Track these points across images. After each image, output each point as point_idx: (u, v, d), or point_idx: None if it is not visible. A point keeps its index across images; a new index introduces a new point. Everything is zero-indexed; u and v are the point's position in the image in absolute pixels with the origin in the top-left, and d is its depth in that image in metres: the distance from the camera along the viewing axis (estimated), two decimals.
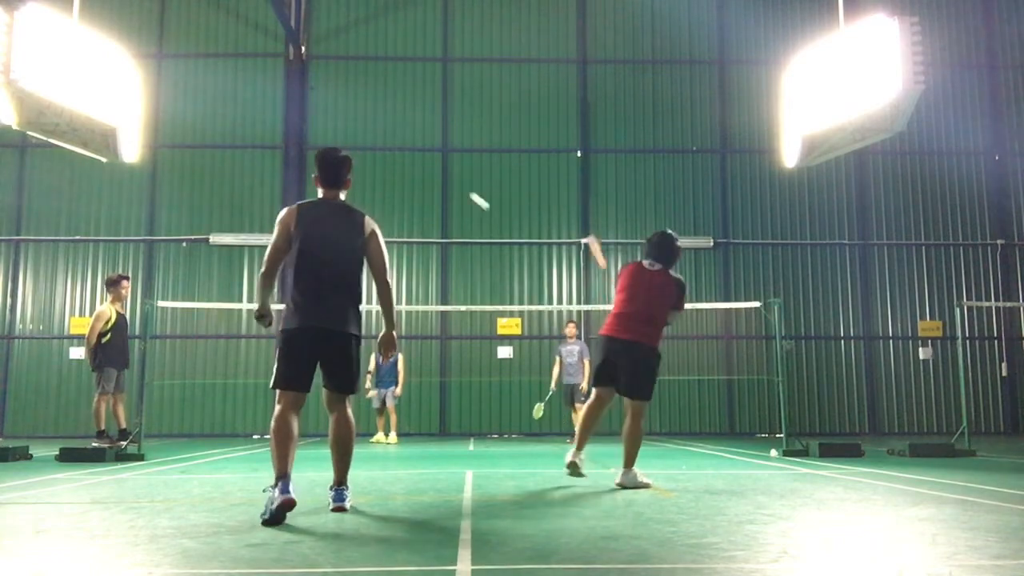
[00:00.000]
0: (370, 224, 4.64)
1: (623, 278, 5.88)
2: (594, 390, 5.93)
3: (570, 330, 13.07)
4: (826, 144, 10.17)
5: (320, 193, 4.64)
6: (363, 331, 4.66)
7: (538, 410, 12.76)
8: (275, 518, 3.96)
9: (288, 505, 3.99)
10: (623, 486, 5.49)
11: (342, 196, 4.66)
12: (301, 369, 4.39)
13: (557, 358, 12.93)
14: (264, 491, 4.22)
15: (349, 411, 4.54)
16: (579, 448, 5.88)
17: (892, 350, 16.25)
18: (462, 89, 16.71)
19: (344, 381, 4.50)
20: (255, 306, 4.65)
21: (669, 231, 6.03)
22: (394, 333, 4.68)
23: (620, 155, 16.59)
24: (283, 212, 4.57)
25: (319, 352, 4.43)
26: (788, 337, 14.03)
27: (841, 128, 9.70)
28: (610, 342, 5.74)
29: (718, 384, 15.69)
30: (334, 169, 4.61)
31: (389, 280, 4.66)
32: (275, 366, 4.43)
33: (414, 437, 14.32)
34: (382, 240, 4.66)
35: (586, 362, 12.33)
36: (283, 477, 4.10)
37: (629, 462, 5.62)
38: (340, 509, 4.39)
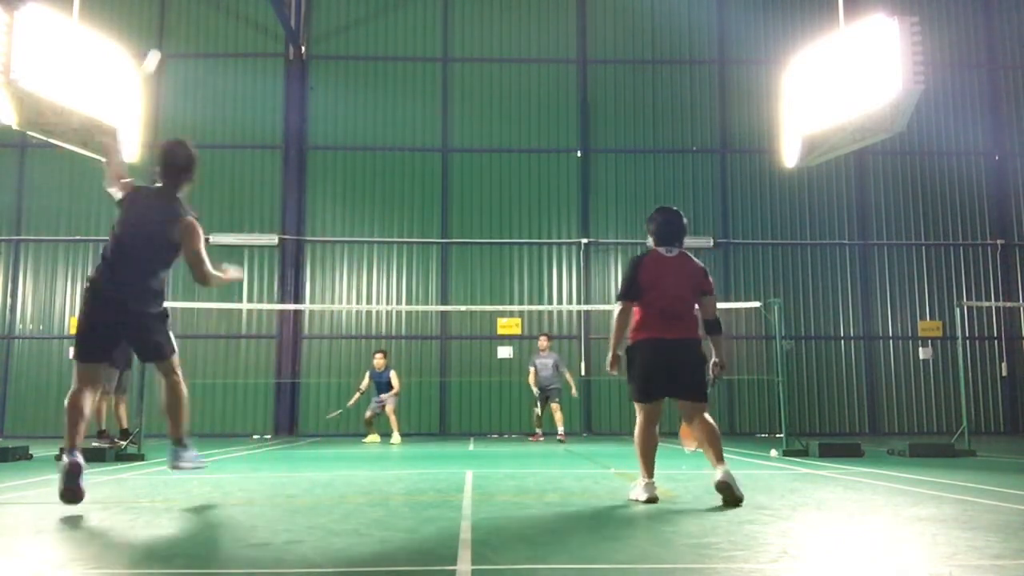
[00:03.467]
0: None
1: (645, 272, 5.03)
2: (643, 408, 5.05)
3: (542, 343, 13.40)
4: (826, 144, 10.16)
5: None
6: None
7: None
8: (68, 487, 4.33)
9: (75, 468, 4.35)
10: (727, 484, 4.63)
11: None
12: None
13: (532, 368, 13.35)
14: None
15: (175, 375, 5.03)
16: (650, 476, 4.97)
17: (892, 350, 16.26)
18: (462, 89, 16.72)
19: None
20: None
21: (670, 207, 5.35)
22: None
23: (620, 155, 16.59)
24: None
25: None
26: (788, 337, 14.03)
27: (841, 128, 9.69)
28: (658, 345, 4.94)
29: (718, 384, 15.64)
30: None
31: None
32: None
33: (414, 437, 14.32)
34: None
35: (564, 371, 13.22)
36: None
37: (720, 456, 4.82)
38: (176, 468, 4.96)
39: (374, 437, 12.86)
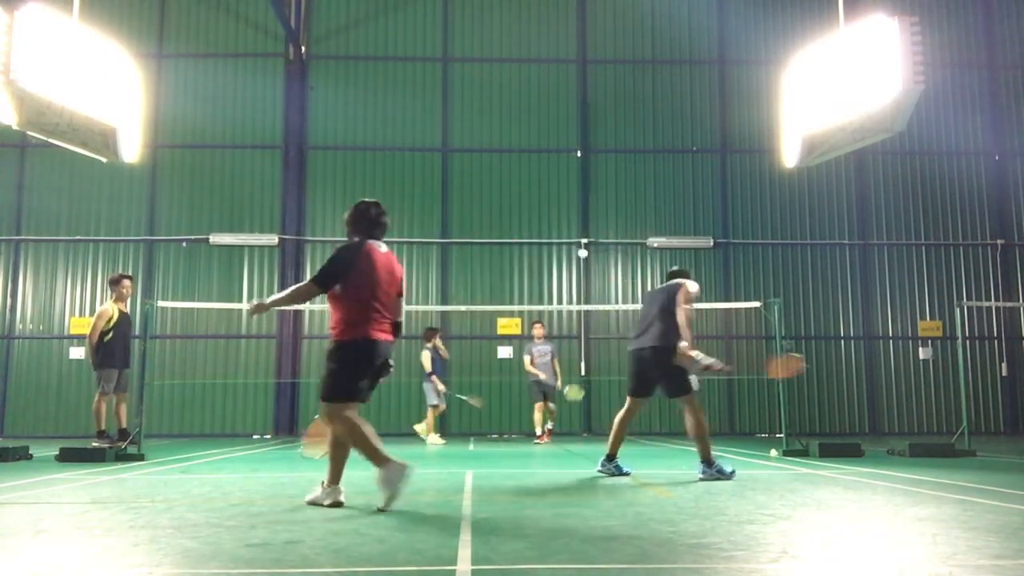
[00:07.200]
0: None
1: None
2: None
3: (538, 331, 13.07)
4: (826, 144, 10.16)
5: None
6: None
7: (574, 391, 12.52)
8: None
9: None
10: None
11: None
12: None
13: (529, 356, 12.86)
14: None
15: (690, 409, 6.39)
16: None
17: (892, 350, 16.25)
18: (462, 89, 16.71)
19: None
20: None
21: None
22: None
23: (620, 155, 16.59)
24: None
25: None
26: (788, 337, 14.02)
27: (841, 128, 9.69)
28: None
29: (718, 384, 15.69)
30: None
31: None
32: None
33: (414, 437, 14.30)
34: None
35: (556, 363, 12.87)
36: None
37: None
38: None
39: (437, 438, 12.60)
